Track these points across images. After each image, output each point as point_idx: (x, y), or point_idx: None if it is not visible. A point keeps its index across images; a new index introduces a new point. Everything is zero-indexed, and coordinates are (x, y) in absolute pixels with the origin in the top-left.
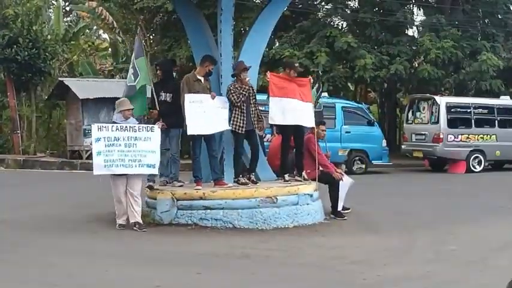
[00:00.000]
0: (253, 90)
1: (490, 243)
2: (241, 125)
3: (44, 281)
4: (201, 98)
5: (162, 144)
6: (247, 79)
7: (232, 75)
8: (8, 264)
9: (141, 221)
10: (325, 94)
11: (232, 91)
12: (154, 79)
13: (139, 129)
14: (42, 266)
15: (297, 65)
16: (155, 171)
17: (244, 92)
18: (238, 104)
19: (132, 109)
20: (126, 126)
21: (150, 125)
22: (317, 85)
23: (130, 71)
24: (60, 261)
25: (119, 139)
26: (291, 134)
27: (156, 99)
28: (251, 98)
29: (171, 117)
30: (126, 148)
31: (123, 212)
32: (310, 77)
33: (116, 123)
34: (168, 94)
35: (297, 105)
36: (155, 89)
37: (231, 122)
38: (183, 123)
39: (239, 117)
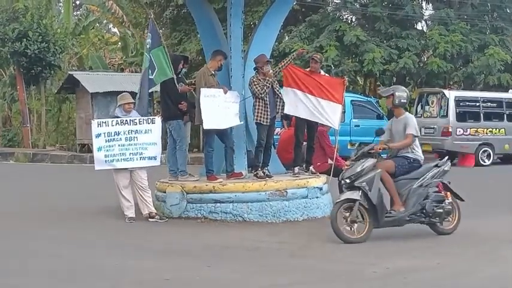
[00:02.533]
0: (275, 83)
1: (499, 235)
2: (265, 116)
3: (53, 273)
4: (215, 92)
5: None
6: (270, 71)
7: (254, 68)
8: (18, 256)
9: (155, 210)
10: None
11: (255, 83)
12: None
13: (139, 121)
14: (51, 258)
15: (318, 57)
16: (157, 163)
17: (267, 84)
18: (262, 96)
19: (133, 103)
20: (126, 120)
21: (151, 117)
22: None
23: (148, 63)
24: (69, 254)
25: (119, 133)
26: (304, 128)
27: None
28: (274, 89)
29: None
30: (126, 142)
31: (128, 205)
32: (345, 78)
33: (117, 117)
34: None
35: (314, 101)
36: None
37: (255, 114)
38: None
39: (263, 109)
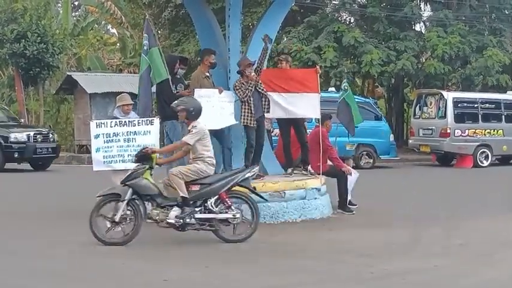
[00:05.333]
0: (259, 83)
1: (498, 237)
2: (251, 118)
3: (52, 273)
4: (209, 93)
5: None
6: (252, 74)
7: (238, 72)
8: (18, 256)
9: None
10: (333, 89)
11: (237, 87)
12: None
13: (138, 123)
14: (50, 258)
15: (283, 57)
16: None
17: (250, 87)
18: (245, 99)
19: (132, 104)
20: (125, 121)
21: (150, 118)
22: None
23: (145, 65)
24: (67, 254)
25: (117, 134)
26: (288, 128)
27: (174, 91)
28: (258, 89)
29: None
30: (125, 143)
31: None
32: (317, 66)
33: (116, 118)
34: (174, 88)
35: (289, 98)
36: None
37: (241, 117)
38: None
39: (248, 111)
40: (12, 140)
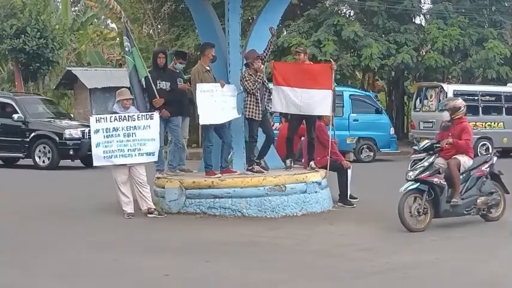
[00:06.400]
0: (264, 75)
1: (498, 231)
2: (257, 111)
3: (53, 271)
4: (211, 87)
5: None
6: (261, 67)
7: (245, 64)
8: (18, 253)
9: (153, 206)
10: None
11: (247, 78)
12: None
13: (138, 117)
14: (51, 256)
15: (301, 49)
16: (155, 158)
17: (259, 80)
18: (254, 91)
19: (132, 99)
20: (124, 116)
21: (150, 113)
22: None
23: (132, 65)
24: (69, 251)
25: (117, 129)
26: (298, 123)
27: (154, 88)
28: (265, 84)
29: (170, 105)
30: (125, 138)
31: (127, 200)
32: (332, 62)
33: (116, 113)
34: (165, 82)
35: (302, 94)
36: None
37: (246, 109)
38: (184, 111)
39: (254, 104)
40: (66, 136)
